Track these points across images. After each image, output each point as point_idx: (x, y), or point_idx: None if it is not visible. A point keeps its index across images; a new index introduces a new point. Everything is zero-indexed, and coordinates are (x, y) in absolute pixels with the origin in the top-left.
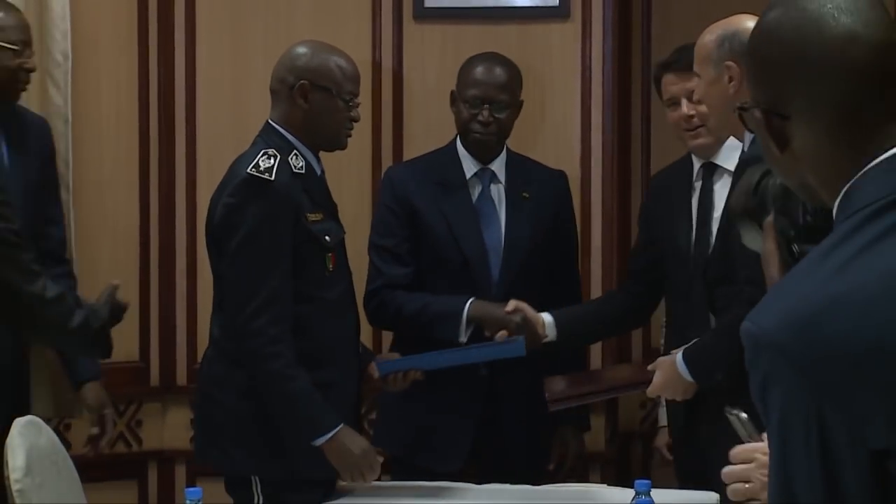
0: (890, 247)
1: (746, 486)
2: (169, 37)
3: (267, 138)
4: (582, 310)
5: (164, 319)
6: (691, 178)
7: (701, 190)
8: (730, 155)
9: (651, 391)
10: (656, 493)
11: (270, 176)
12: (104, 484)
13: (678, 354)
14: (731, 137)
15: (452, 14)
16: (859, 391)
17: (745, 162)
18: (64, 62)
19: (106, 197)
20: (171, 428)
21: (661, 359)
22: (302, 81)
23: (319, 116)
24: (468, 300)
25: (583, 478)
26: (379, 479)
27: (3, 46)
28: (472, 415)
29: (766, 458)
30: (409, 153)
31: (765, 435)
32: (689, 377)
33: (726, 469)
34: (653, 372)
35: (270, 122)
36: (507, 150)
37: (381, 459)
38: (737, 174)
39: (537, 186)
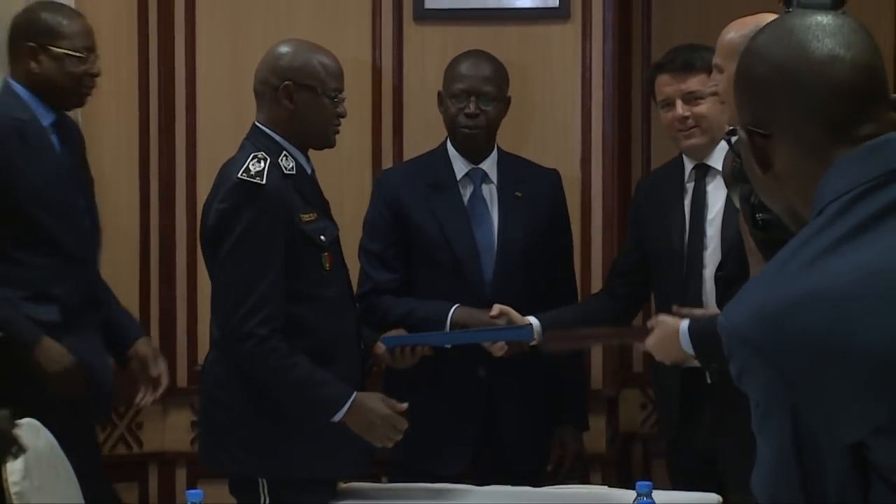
0: (861, 242)
1: None
2: (169, 36)
3: (255, 141)
4: (568, 313)
5: (164, 321)
6: (682, 179)
7: (694, 191)
8: (723, 156)
9: (647, 346)
10: (657, 495)
11: (261, 179)
12: None
13: (683, 323)
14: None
15: (452, 15)
16: (829, 386)
17: None
18: None
19: (106, 196)
20: (172, 430)
21: (662, 317)
22: (286, 82)
23: (306, 116)
24: (453, 306)
25: (584, 479)
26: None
27: (69, 54)
28: (471, 418)
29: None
30: (409, 154)
31: None
32: (689, 350)
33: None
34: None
35: (258, 124)
36: (499, 149)
37: (404, 422)
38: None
39: (530, 185)
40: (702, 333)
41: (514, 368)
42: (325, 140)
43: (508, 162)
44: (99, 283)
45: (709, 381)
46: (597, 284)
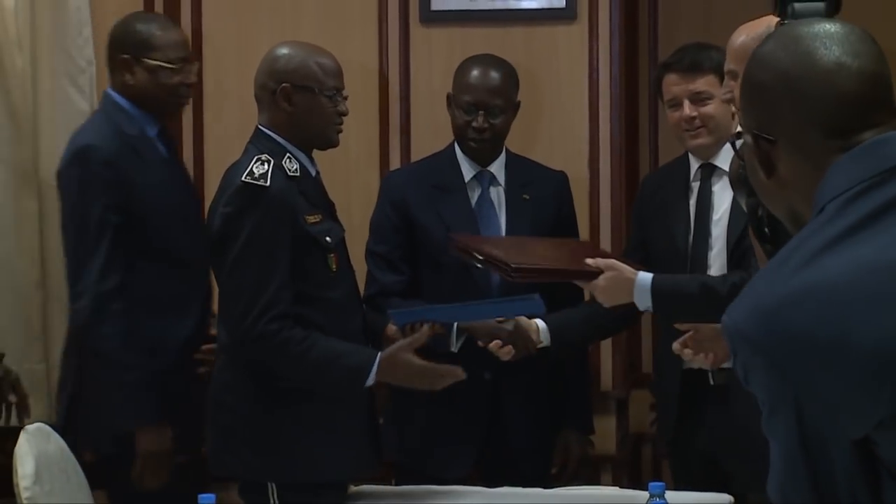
0: (859, 239)
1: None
2: None
3: (258, 144)
4: (575, 313)
5: None
6: (688, 178)
7: (699, 191)
8: (729, 156)
9: (594, 288)
10: (670, 495)
11: (265, 182)
12: None
13: (642, 275)
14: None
15: (459, 17)
16: (829, 382)
17: None
18: (88, 67)
19: None
20: None
21: (615, 263)
22: (283, 84)
23: (306, 117)
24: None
25: (593, 481)
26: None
27: (162, 65)
28: (477, 420)
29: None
30: (417, 156)
31: None
32: (642, 302)
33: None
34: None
35: (260, 127)
36: (507, 151)
37: (443, 368)
38: None
39: (537, 187)
40: (666, 288)
41: (519, 371)
42: (327, 140)
43: (516, 164)
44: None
45: (711, 382)
46: None
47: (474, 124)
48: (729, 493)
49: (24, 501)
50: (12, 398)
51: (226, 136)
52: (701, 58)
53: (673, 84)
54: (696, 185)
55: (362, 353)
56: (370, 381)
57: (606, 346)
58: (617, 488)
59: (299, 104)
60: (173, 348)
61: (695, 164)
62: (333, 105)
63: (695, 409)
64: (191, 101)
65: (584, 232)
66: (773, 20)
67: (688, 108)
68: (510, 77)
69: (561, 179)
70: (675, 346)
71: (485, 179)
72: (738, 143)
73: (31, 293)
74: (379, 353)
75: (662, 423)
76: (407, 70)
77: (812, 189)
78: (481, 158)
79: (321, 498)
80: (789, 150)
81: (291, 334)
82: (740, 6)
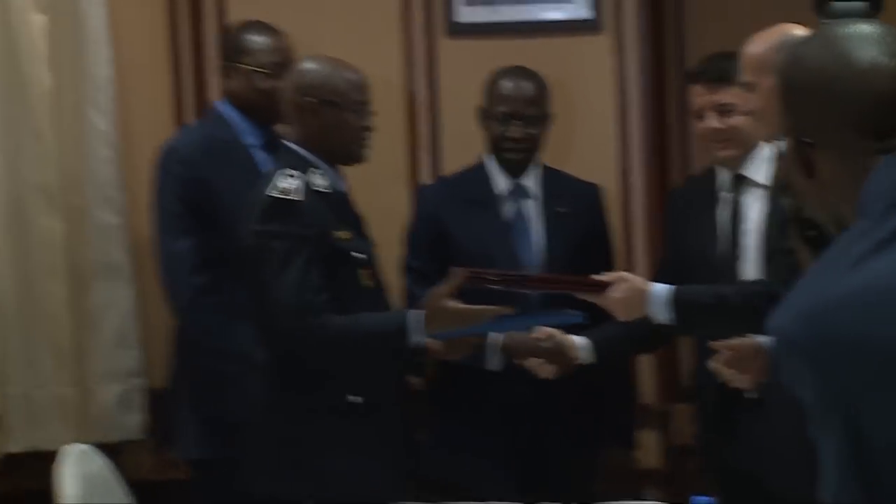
0: None
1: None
2: (200, 53)
3: (283, 159)
4: (614, 328)
5: None
6: (714, 189)
7: (728, 201)
8: (759, 167)
9: (607, 301)
10: None
11: (292, 196)
12: None
13: (657, 287)
14: (761, 148)
15: (485, 29)
16: (875, 385)
17: None
18: (107, 87)
19: (142, 209)
20: None
21: (626, 275)
22: (309, 99)
23: (332, 131)
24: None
25: (637, 496)
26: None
27: (255, 70)
28: (516, 438)
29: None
30: (446, 170)
31: None
32: (658, 313)
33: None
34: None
35: (285, 142)
36: (541, 163)
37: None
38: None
39: (572, 200)
40: (686, 302)
41: (559, 388)
42: (354, 154)
43: (551, 177)
44: None
45: (749, 396)
46: None
47: (511, 135)
48: None
49: None
50: None
51: None
52: (727, 68)
53: (698, 95)
54: (723, 196)
55: (399, 312)
56: (415, 336)
57: (648, 358)
58: (661, 503)
59: (325, 118)
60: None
61: (723, 175)
62: (359, 120)
63: (732, 422)
64: None
65: (618, 244)
66: (786, 29)
67: (714, 121)
68: (543, 87)
69: (595, 192)
70: (712, 364)
71: (518, 193)
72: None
73: (60, 314)
74: (408, 310)
75: (701, 435)
76: (433, 84)
77: (853, 190)
78: (517, 169)
79: None
80: (828, 152)
81: (326, 322)
82: (767, 12)
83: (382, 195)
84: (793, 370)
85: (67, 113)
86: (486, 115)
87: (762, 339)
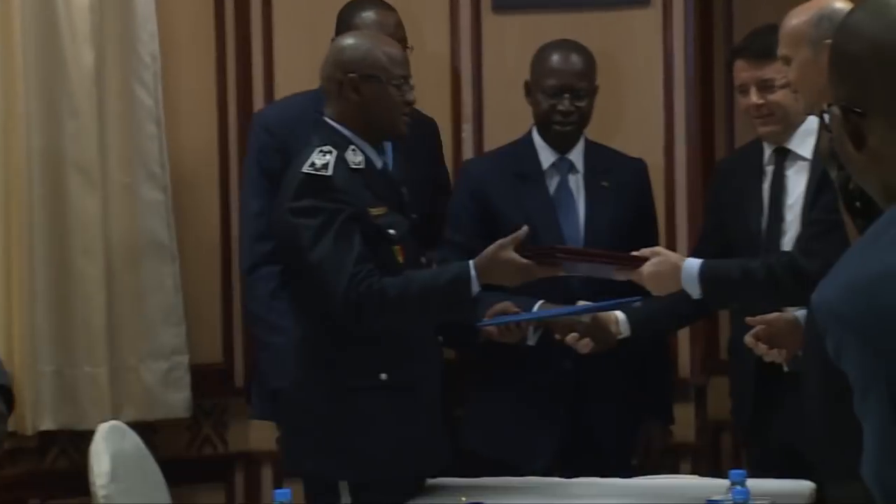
0: None
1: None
2: (246, 35)
3: (321, 135)
4: (654, 303)
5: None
6: (761, 162)
7: (773, 175)
8: (803, 140)
9: (641, 276)
10: (750, 483)
11: (327, 171)
12: (191, 487)
13: (689, 262)
14: (806, 122)
15: (531, 4)
16: None
17: None
18: (152, 63)
19: (187, 199)
20: (257, 429)
21: (660, 250)
22: (350, 74)
23: (373, 106)
24: (537, 303)
25: (673, 470)
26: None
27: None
28: (558, 412)
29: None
30: (490, 146)
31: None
32: (691, 288)
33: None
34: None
35: (325, 119)
36: (585, 138)
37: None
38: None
39: (616, 175)
40: (714, 276)
41: (600, 362)
42: (395, 129)
43: (595, 151)
44: None
45: (785, 369)
46: None
47: (560, 108)
48: (810, 481)
49: (101, 500)
50: None
51: None
52: (770, 43)
53: (742, 70)
54: (769, 170)
55: (454, 265)
56: (476, 287)
57: (684, 333)
58: (697, 477)
59: (366, 94)
60: None
61: (768, 149)
62: (401, 94)
63: (770, 397)
64: (262, 96)
65: (661, 219)
66: (825, 2)
67: (755, 96)
68: (591, 60)
69: (640, 167)
70: (748, 339)
71: (564, 167)
72: (827, 116)
73: (94, 295)
74: (470, 262)
75: (738, 410)
76: (479, 58)
77: None
78: (565, 144)
79: (395, 494)
80: (880, 123)
81: (384, 282)
82: None
83: None
84: (838, 344)
85: (111, 90)
86: (534, 89)
87: (797, 313)
